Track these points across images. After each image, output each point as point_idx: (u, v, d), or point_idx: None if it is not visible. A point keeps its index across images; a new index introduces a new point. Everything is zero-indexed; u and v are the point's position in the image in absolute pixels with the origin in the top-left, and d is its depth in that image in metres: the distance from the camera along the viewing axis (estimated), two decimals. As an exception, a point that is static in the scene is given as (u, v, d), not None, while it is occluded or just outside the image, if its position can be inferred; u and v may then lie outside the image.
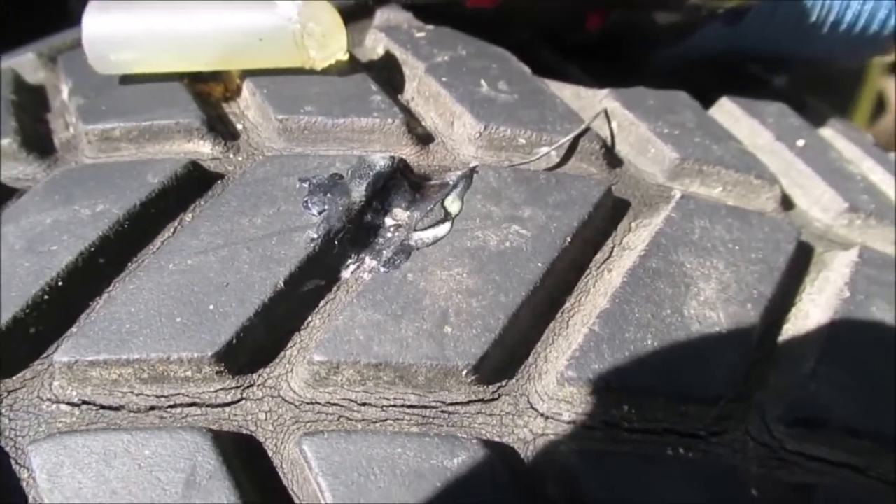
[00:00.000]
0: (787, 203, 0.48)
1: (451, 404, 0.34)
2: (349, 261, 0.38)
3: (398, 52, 0.52)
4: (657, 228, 0.41)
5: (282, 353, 0.35)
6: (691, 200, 0.43)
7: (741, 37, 0.61)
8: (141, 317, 0.35)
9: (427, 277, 0.37)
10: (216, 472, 0.30)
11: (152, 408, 0.34)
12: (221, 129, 0.46)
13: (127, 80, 0.47)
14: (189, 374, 0.34)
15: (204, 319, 0.34)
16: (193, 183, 0.42)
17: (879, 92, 1.22)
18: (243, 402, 0.34)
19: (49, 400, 0.34)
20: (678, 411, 0.35)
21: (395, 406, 0.34)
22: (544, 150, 0.45)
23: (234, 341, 0.34)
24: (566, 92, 0.52)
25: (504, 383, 0.35)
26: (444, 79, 0.48)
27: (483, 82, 0.48)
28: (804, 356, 0.37)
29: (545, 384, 0.35)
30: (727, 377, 0.35)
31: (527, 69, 0.52)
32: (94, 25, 0.45)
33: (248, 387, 0.34)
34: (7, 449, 0.32)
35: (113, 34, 0.45)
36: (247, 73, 0.48)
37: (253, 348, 0.35)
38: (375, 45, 0.54)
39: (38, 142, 0.46)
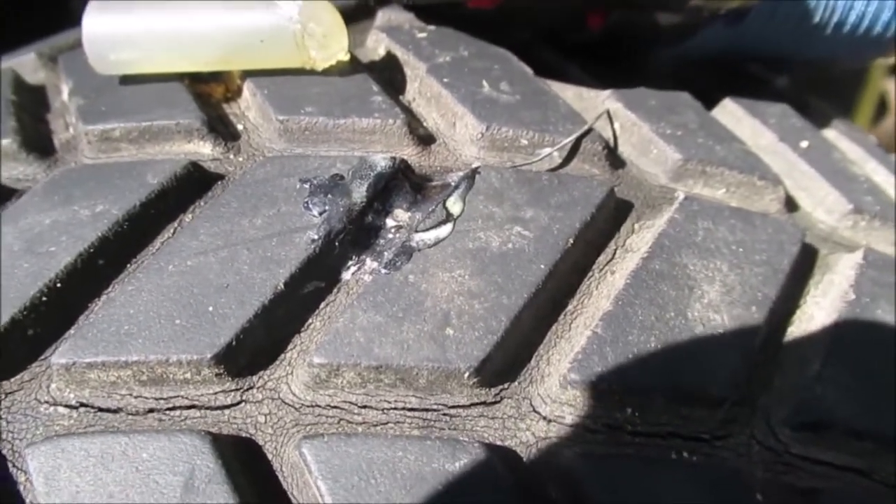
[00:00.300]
0: (790, 205, 0.48)
1: (453, 407, 0.34)
2: (350, 262, 0.38)
3: (399, 53, 0.52)
4: (660, 230, 0.41)
5: (282, 356, 0.35)
6: (694, 202, 0.43)
7: (742, 37, 0.61)
8: (140, 318, 0.34)
9: (428, 279, 0.37)
10: (215, 476, 0.30)
11: (151, 410, 0.33)
12: (222, 129, 0.45)
13: (127, 80, 0.47)
14: (188, 376, 0.34)
15: (203, 321, 0.34)
16: (193, 184, 0.42)
17: (881, 94, 1.21)
18: (243, 404, 0.34)
19: (47, 402, 0.33)
20: (682, 414, 0.35)
21: (395, 409, 0.34)
22: (546, 150, 0.44)
23: (234, 343, 0.34)
24: (568, 93, 0.52)
25: (506, 386, 0.35)
26: (445, 79, 0.48)
27: (485, 83, 0.48)
28: (809, 359, 0.37)
29: (548, 387, 0.35)
30: (731, 380, 0.35)
31: (529, 70, 0.51)
32: (94, 25, 0.44)
33: (247, 389, 0.34)
34: (4, 452, 0.32)
35: (113, 34, 0.45)
36: (247, 74, 0.48)
37: (253, 350, 0.35)
38: (377, 45, 0.54)
39: (38, 142, 0.45)
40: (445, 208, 0.40)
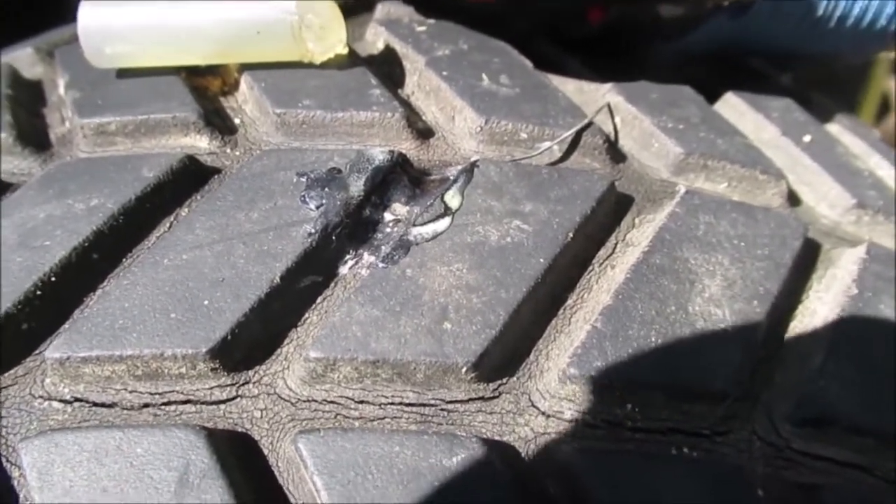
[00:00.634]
0: (793, 199, 0.47)
1: (451, 402, 0.34)
2: (347, 256, 0.38)
3: (398, 46, 0.51)
4: (661, 224, 0.40)
5: (278, 350, 0.35)
6: (696, 196, 0.42)
7: (745, 31, 0.61)
8: (135, 312, 0.34)
9: (426, 273, 0.36)
10: (210, 471, 0.30)
11: (146, 405, 0.33)
12: (219, 123, 0.45)
13: (123, 73, 0.47)
14: (183, 370, 0.33)
15: (199, 315, 0.34)
16: (189, 177, 0.41)
17: (884, 92, 1.21)
18: (238, 399, 0.33)
19: (41, 397, 0.33)
20: (682, 410, 0.34)
21: (393, 404, 0.33)
22: (546, 144, 0.44)
23: (230, 337, 0.33)
24: (569, 86, 0.51)
25: (504, 381, 0.35)
26: (444, 72, 0.47)
27: (484, 76, 0.48)
28: (811, 354, 0.37)
29: (547, 382, 0.34)
30: (732, 375, 0.35)
31: (528, 63, 0.51)
32: (90, 18, 0.44)
33: (243, 384, 0.34)
34: (-2, 446, 0.32)
35: (108, 27, 0.44)
36: (245, 67, 0.47)
37: (248, 345, 0.34)
38: (376, 38, 0.54)
39: (35, 136, 0.45)
40: (444, 202, 0.40)
